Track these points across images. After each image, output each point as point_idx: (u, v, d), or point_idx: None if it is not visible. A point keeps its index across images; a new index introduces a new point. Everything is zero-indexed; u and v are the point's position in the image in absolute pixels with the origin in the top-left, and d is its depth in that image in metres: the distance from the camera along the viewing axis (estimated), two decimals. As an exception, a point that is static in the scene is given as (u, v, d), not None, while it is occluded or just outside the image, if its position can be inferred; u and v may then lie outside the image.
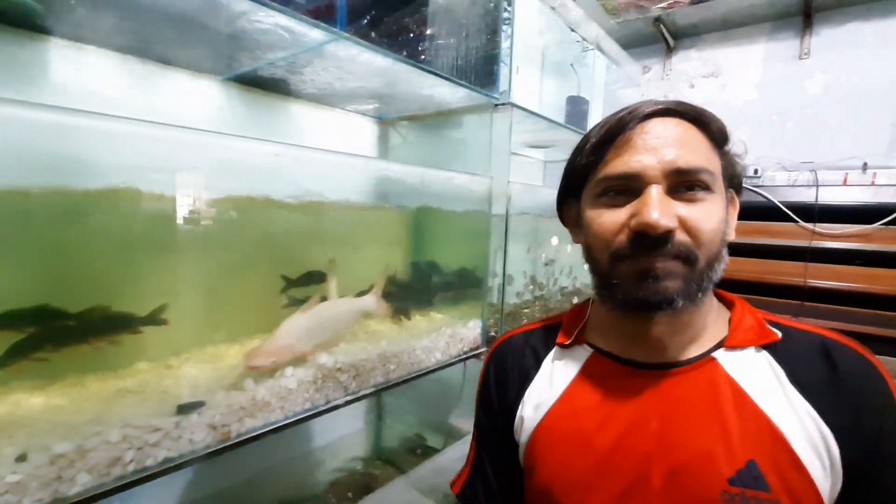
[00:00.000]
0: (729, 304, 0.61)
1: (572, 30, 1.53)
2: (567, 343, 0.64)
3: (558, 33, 1.54)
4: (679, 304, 0.51)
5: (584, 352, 0.63)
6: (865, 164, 1.73)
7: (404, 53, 0.97)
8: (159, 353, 0.80)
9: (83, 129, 0.61)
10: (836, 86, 1.84)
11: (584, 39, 1.55)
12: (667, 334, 0.55)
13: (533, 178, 2.23)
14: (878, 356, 0.54)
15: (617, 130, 0.54)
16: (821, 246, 1.67)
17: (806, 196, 1.73)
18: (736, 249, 1.81)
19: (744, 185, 1.82)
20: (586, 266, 0.61)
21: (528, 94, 1.42)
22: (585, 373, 0.61)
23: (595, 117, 1.71)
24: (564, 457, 0.57)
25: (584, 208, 0.59)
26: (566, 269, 1.68)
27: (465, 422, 1.34)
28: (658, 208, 0.49)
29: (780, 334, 0.55)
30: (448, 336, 1.13)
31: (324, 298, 0.93)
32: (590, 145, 0.56)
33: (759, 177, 1.87)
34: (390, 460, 1.48)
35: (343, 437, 1.46)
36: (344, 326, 0.95)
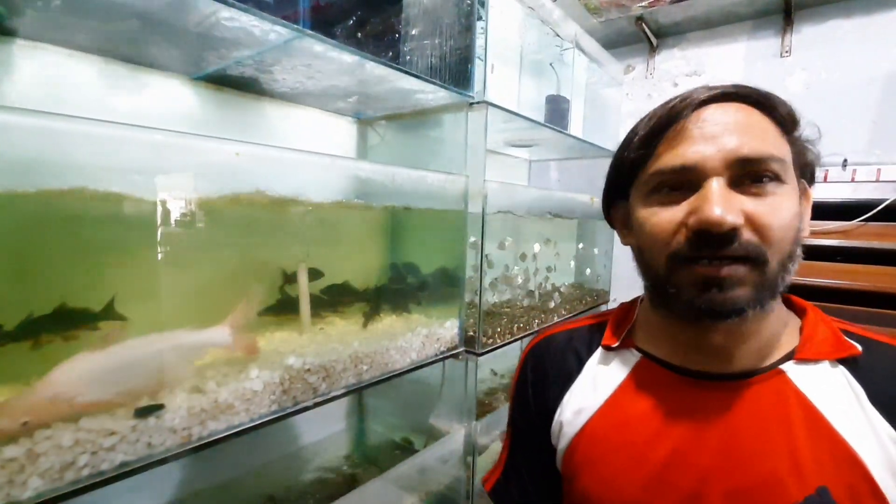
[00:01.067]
0: (800, 312, 0.56)
1: (552, 29, 1.53)
2: (614, 346, 0.60)
3: (537, 32, 1.54)
4: (750, 315, 0.46)
5: (633, 356, 0.58)
6: (845, 160, 1.74)
7: (389, 55, 0.96)
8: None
9: (33, 128, 0.60)
10: (817, 83, 1.85)
11: (561, 40, 1.55)
12: (730, 343, 0.50)
13: (518, 177, 2.22)
14: None
15: (669, 120, 0.49)
16: (801, 243, 1.68)
17: (787, 193, 1.74)
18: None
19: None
20: (634, 268, 0.56)
21: (507, 93, 1.41)
22: (634, 379, 0.56)
23: (576, 116, 1.71)
24: (612, 469, 0.53)
25: (634, 207, 0.54)
26: (542, 268, 1.68)
27: (444, 422, 1.34)
28: (721, 203, 0.44)
29: (860, 348, 0.49)
30: (424, 336, 1.12)
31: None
32: (638, 138, 0.52)
33: (741, 174, 1.88)
34: (371, 460, 1.47)
35: (324, 439, 1.45)
36: (175, 366, 0.73)
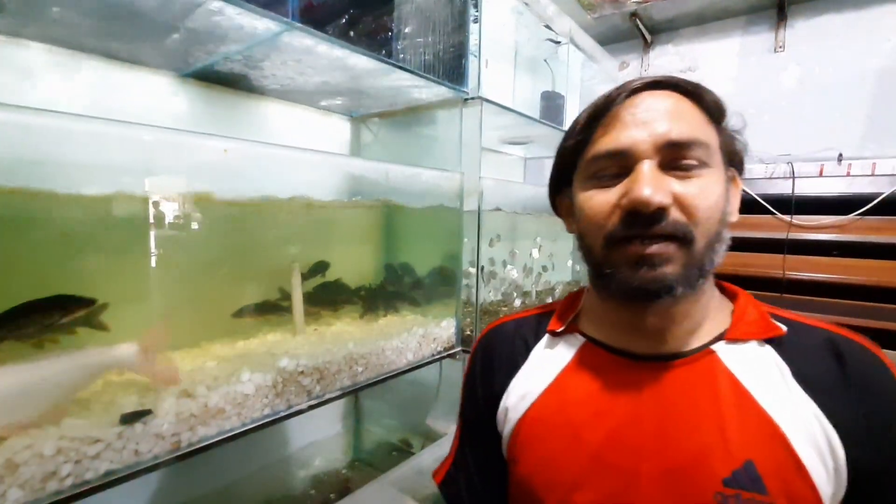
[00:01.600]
0: (732, 296, 0.58)
1: (546, 26, 1.52)
2: (559, 331, 0.61)
3: (531, 29, 1.52)
4: (679, 292, 0.48)
5: (577, 341, 0.60)
6: (840, 155, 1.74)
7: (382, 53, 0.95)
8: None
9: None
10: (811, 78, 1.85)
11: (555, 35, 1.54)
12: (664, 325, 0.52)
13: (514, 175, 2.21)
14: (840, 326, 0.52)
15: (605, 107, 0.51)
16: (798, 238, 1.67)
17: (783, 188, 1.73)
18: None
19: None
20: (578, 256, 0.58)
21: (502, 90, 1.40)
22: (577, 363, 0.58)
23: (571, 112, 1.70)
24: (551, 450, 0.54)
25: (575, 193, 0.56)
26: (538, 266, 1.66)
27: (441, 423, 1.32)
28: (650, 184, 0.46)
29: (785, 328, 0.52)
30: (420, 336, 1.10)
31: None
32: (578, 126, 0.54)
33: (737, 170, 1.88)
34: (369, 462, 1.45)
35: (320, 442, 1.43)
36: (67, 391, 0.62)
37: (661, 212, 0.46)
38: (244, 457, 1.22)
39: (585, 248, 0.55)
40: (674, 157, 0.48)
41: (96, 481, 0.60)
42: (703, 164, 0.49)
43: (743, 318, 0.54)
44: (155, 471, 0.65)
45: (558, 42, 1.55)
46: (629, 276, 0.49)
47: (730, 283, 0.60)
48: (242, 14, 0.72)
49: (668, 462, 0.48)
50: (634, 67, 2.18)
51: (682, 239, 0.47)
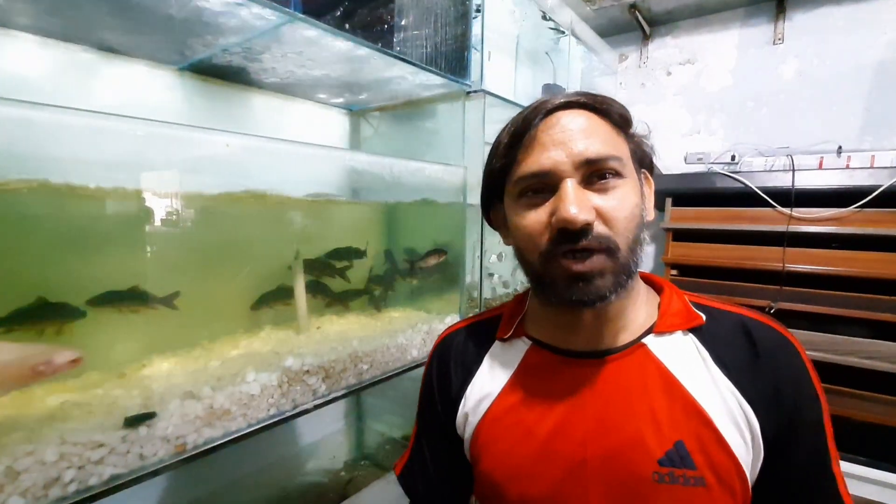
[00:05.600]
0: (658, 289, 0.63)
1: (547, 17, 1.50)
2: (506, 337, 0.65)
3: (532, 20, 1.50)
4: (611, 299, 0.53)
5: (524, 344, 0.64)
6: (840, 147, 1.74)
7: (379, 45, 0.92)
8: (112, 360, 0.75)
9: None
10: (810, 70, 1.85)
11: (558, 26, 1.52)
12: (599, 324, 0.57)
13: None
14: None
15: (523, 129, 0.55)
16: (798, 230, 1.68)
17: (782, 181, 1.73)
18: (714, 236, 1.81)
19: (722, 171, 1.82)
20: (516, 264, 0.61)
21: (503, 82, 1.38)
22: (525, 365, 0.62)
23: (572, 106, 1.68)
24: (508, 447, 0.58)
25: (507, 210, 0.60)
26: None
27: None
28: (575, 202, 0.50)
29: (704, 317, 0.57)
30: (424, 333, 1.09)
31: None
32: (501, 147, 0.58)
33: (737, 163, 1.87)
34: (372, 460, 1.45)
35: (323, 439, 1.42)
36: None
37: (586, 227, 0.50)
38: (247, 456, 1.20)
39: (524, 261, 0.59)
40: (591, 172, 0.52)
41: (100, 486, 0.58)
42: (618, 176, 0.53)
43: (668, 311, 0.59)
44: (159, 475, 0.64)
45: (562, 32, 1.53)
46: (566, 291, 0.53)
47: (716, 276, 0.65)
48: (243, 4, 0.70)
49: (609, 448, 0.53)
50: (633, 60, 2.16)
51: (608, 250, 0.51)
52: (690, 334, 0.57)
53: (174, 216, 0.71)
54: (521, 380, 0.61)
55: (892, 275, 1.51)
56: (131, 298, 0.73)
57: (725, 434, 0.50)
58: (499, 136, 0.60)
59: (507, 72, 1.48)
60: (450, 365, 0.68)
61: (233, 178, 0.75)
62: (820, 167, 1.71)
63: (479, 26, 1.15)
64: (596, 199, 0.52)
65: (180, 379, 0.73)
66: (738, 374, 0.53)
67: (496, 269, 1.43)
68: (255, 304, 0.92)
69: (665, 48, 2.11)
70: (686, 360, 0.55)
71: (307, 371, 0.82)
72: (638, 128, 0.59)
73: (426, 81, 1.11)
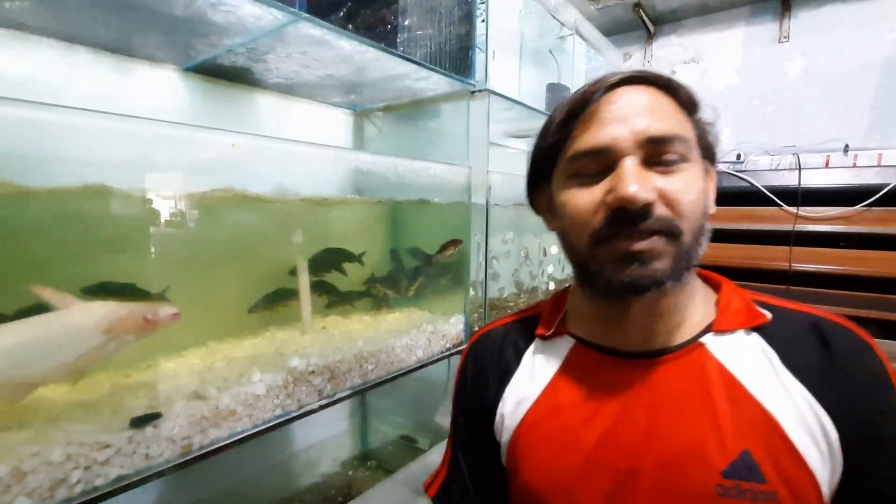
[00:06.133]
0: (716, 286, 0.58)
1: (552, 16, 1.50)
2: (547, 335, 0.60)
3: (537, 19, 1.50)
4: (668, 286, 0.48)
5: (566, 343, 0.59)
6: (847, 146, 1.73)
7: (383, 45, 0.92)
8: (118, 361, 0.75)
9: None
10: (816, 68, 1.84)
11: (561, 25, 1.52)
12: (651, 320, 0.52)
13: (516, 169, 2.19)
14: (824, 309, 0.52)
15: (582, 104, 0.51)
16: (804, 229, 1.67)
17: (789, 180, 1.72)
18: (720, 235, 1.80)
19: (728, 171, 1.81)
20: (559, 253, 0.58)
21: (507, 82, 1.38)
22: (568, 366, 0.57)
23: (576, 105, 1.68)
24: (549, 455, 0.54)
25: (556, 191, 0.55)
26: (548, 260, 1.65)
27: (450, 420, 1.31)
28: (635, 181, 0.46)
29: (769, 315, 0.52)
30: (429, 333, 1.09)
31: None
32: (555, 123, 0.53)
33: (742, 162, 1.86)
34: (377, 461, 1.44)
35: (328, 440, 1.41)
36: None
37: (647, 208, 0.46)
38: (251, 456, 1.20)
39: (569, 247, 0.55)
40: (655, 152, 0.48)
41: (107, 487, 0.58)
42: (683, 159, 0.49)
43: (728, 308, 0.54)
44: (166, 475, 0.63)
45: (567, 31, 1.53)
46: (617, 273, 0.48)
47: (714, 273, 0.60)
48: (248, 4, 0.70)
49: (665, 458, 0.48)
50: (637, 59, 2.16)
51: (670, 233, 0.47)
52: (755, 333, 0.51)
53: (181, 216, 0.71)
54: (564, 382, 0.56)
55: (901, 274, 1.49)
56: (124, 292, 0.71)
57: (799, 444, 0.45)
58: (552, 114, 0.55)
59: (512, 71, 1.47)
60: (485, 366, 0.64)
61: (240, 178, 0.75)
62: (826, 166, 1.70)
63: (484, 26, 1.14)
64: (658, 180, 0.47)
65: (186, 379, 0.73)
66: (810, 378, 0.47)
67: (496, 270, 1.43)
68: (253, 307, 0.92)
69: (669, 47, 2.10)
70: (751, 361, 0.50)
71: (312, 371, 0.82)
72: (704, 113, 0.54)
73: (430, 81, 1.11)
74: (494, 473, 0.61)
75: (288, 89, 1.17)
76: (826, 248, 1.64)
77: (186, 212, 0.71)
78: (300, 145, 0.88)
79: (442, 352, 1.12)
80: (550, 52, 1.55)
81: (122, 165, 0.66)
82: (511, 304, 1.46)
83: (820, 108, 1.82)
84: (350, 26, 0.88)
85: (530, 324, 0.64)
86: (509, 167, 2.09)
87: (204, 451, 0.67)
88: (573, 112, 0.51)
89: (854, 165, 1.66)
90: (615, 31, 2.14)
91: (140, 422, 0.62)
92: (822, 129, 1.80)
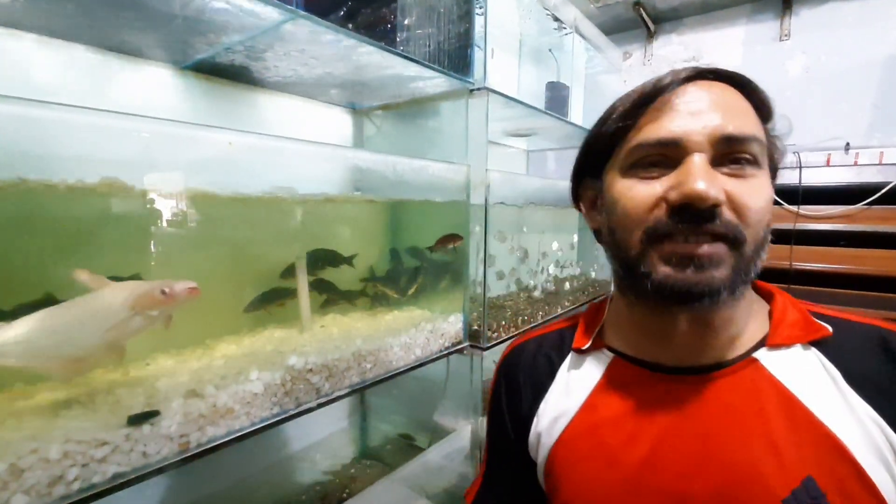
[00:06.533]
0: (768, 296, 0.55)
1: (551, 14, 1.49)
2: (584, 348, 0.58)
3: (536, 18, 1.50)
4: (723, 297, 0.44)
5: (605, 357, 0.56)
6: (847, 144, 1.72)
7: (382, 44, 0.92)
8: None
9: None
10: (817, 67, 1.83)
11: (561, 24, 1.51)
12: (700, 334, 0.49)
13: (517, 168, 2.19)
14: (890, 322, 0.49)
15: (653, 93, 0.47)
16: (805, 228, 1.66)
17: (790, 178, 1.72)
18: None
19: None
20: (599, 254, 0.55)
21: (507, 80, 1.38)
22: (607, 381, 0.54)
23: (575, 104, 1.67)
24: (589, 475, 0.51)
25: (608, 184, 0.51)
26: (549, 259, 1.65)
27: (449, 419, 1.31)
28: (705, 178, 0.42)
29: (830, 328, 0.48)
30: (428, 332, 1.09)
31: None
32: (618, 112, 0.50)
33: (743, 160, 1.86)
34: (376, 459, 1.44)
35: (327, 438, 1.42)
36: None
37: (715, 209, 0.43)
38: (251, 455, 1.20)
39: (617, 244, 0.51)
40: (727, 152, 0.45)
41: (104, 485, 0.58)
42: (754, 163, 0.45)
43: (783, 321, 0.50)
44: (164, 472, 0.63)
45: (566, 30, 1.52)
46: (671, 276, 0.44)
47: (765, 282, 0.56)
48: (245, 1, 0.70)
49: (718, 482, 0.44)
50: (637, 58, 2.15)
51: (734, 240, 0.44)
52: (813, 348, 0.48)
53: (183, 215, 0.71)
54: (603, 397, 0.53)
55: (903, 273, 1.49)
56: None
57: (868, 469, 0.41)
58: (613, 104, 0.51)
59: (511, 70, 1.47)
60: (519, 381, 0.62)
61: (242, 178, 0.75)
62: (828, 164, 1.70)
63: (483, 24, 1.14)
64: (727, 183, 0.44)
65: (184, 377, 0.73)
66: (879, 398, 0.43)
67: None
68: (248, 306, 0.92)
69: (670, 45, 2.09)
70: (810, 378, 0.46)
71: (310, 370, 0.82)
72: (778, 124, 0.50)
73: (429, 79, 1.11)
74: (529, 488, 0.59)
75: (287, 87, 1.17)
76: (827, 247, 1.63)
77: (190, 210, 0.71)
78: (298, 143, 0.88)
79: (441, 351, 1.12)
80: (550, 50, 1.54)
81: (123, 163, 0.66)
82: (510, 302, 1.46)
83: (821, 106, 1.81)
84: (350, 25, 0.88)
85: (565, 335, 0.62)
86: (509, 166, 2.09)
87: (202, 448, 0.67)
88: (642, 101, 0.48)
89: (855, 164, 1.65)
90: (615, 29, 2.13)
91: (138, 419, 0.62)
92: (823, 127, 1.79)
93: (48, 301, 0.63)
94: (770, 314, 0.52)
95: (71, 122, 0.58)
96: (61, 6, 0.73)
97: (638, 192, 0.47)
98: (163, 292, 0.61)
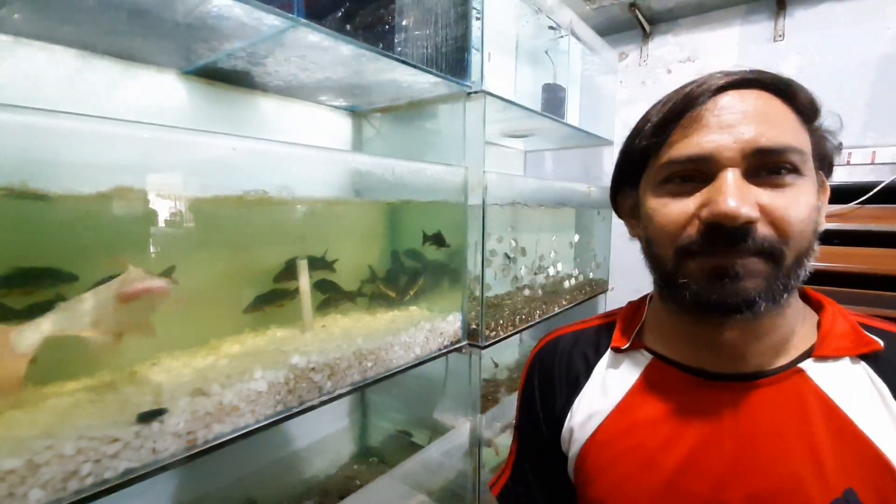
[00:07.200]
0: (817, 306, 0.54)
1: (546, 17, 1.51)
2: (624, 347, 0.58)
3: (532, 20, 1.52)
4: (761, 308, 0.44)
5: (643, 358, 0.56)
6: (840, 144, 1.73)
7: (380, 46, 0.94)
8: (123, 358, 0.77)
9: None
10: (811, 67, 1.85)
11: (557, 26, 1.53)
12: (744, 341, 0.48)
13: (514, 169, 2.21)
14: None
15: (684, 106, 0.47)
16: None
17: (783, 178, 1.74)
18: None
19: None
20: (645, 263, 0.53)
21: (503, 82, 1.40)
22: (645, 382, 0.55)
23: (572, 105, 1.69)
24: (624, 475, 0.51)
25: (643, 198, 0.52)
26: (547, 258, 1.67)
27: (448, 416, 1.33)
28: (736, 195, 0.42)
29: (882, 343, 0.47)
30: (427, 331, 1.11)
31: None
32: (650, 125, 0.50)
33: (738, 160, 1.88)
34: (377, 457, 1.47)
35: (328, 436, 1.44)
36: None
37: (747, 226, 0.42)
38: (253, 453, 1.22)
39: (653, 257, 0.52)
40: (762, 164, 0.44)
41: (116, 480, 0.60)
42: (795, 172, 0.44)
43: (832, 332, 0.49)
44: (173, 469, 0.66)
45: (562, 32, 1.54)
46: (706, 289, 0.45)
47: (817, 291, 0.56)
48: (248, 11, 0.72)
49: (756, 492, 0.44)
50: (633, 58, 2.17)
51: (770, 255, 0.43)
52: (862, 362, 0.47)
53: (185, 217, 0.73)
54: (640, 399, 0.53)
55: (894, 271, 1.51)
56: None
57: None
58: (647, 113, 0.51)
59: (508, 71, 1.49)
60: (553, 375, 0.62)
61: (243, 181, 0.77)
62: (821, 163, 1.72)
63: (479, 27, 1.16)
64: (764, 196, 0.43)
65: (190, 377, 0.75)
66: None
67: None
68: (248, 307, 0.94)
69: (665, 46, 2.11)
70: (858, 392, 0.45)
71: (313, 368, 0.84)
72: (826, 120, 0.50)
73: (427, 83, 1.13)
74: (559, 483, 0.61)
75: (287, 91, 1.19)
76: (820, 246, 1.66)
77: (193, 212, 0.73)
78: (301, 148, 0.90)
79: (440, 349, 1.14)
80: (546, 52, 1.56)
81: (128, 168, 0.68)
82: (508, 301, 1.48)
83: (815, 106, 1.83)
84: (348, 26, 0.89)
85: (603, 333, 0.62)
86: (507, 167, 2.11)
87: (208, 445, 0.69)
88: (672, 115, 0.47)
89: (848, 163, 1.67)
90: (611, 30, 2.15)
91: (147, 417, 0.64)
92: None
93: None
94: (819, 324, 0.52)
95: (110, 133, 0.61)
96: (70, 15, 0.75)
97: (671, 210, 0.47)
98: (139, 286, 0.64)
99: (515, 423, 0.68)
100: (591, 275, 2.01)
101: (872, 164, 1.64)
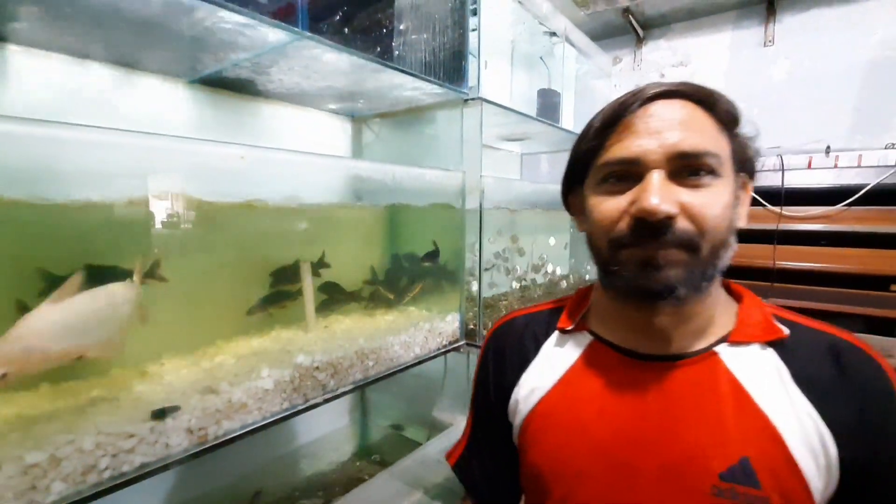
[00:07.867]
0: (738, 297, 0.60)
1: (541, 23, 1.55)
2: (568, 329, 0.64)
3: (527, 26, 1.55)
4: (682, 294, 0.50)
5: (585, 339, 0.62)
6: (828, 147, 1.78)
7: (377, 51, 0.96)
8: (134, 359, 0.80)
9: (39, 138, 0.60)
10: (800, 71, 1.89)
11: (552, 33, 1.57)
12: (670, 326, 0.54)
13: (510, 171, 2.24)
14: (843, 330, 0.54)
15: (619, 114, 0.52)
16: (788, 228, 1.73)
17: (773, 180, 1.78)
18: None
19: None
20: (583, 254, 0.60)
21: (499, 87, 1.43)
22: (585, 361, 0.60)
23: (567, 109, 1.73)
24: (558, 443, 0.57)
25: (587, 195, 0.58)
26: (539, 260, 1.71)
27: (447, 414, 1.36)
28: (658, 193, 0.48)
29: (787, 331, 0.53)
30: (426, 331, 1.14)
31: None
32: (593, 130, 0.55)
33: (729, 163, 1.92)
34: (376, 455, 1.50)
35: (328, 435, 1.47)
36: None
37: (667, 221, 0.48)
38: (256, 450, 1.25)
39: (594, 248, 0.58)
40: (683, 166, 0.49)
41: (132, 473, 0.64)
42: (712, 174, 0.50)
43: (747, 321, 0.55)
44: (184, 463, 0.69)
45: (556, 38, 1.58)
46: (634, 276, 0.51)
47: (738, 284, 0.61)
48: (255, 25, 0.75)
49: (667, 457, 0.51)
50: (627, 63, 2.21)
51: (688, 245, 0.49)
52: (770, 348, 0.53)
53: (193, 222, 0.76)
54: (579, 375, 0.59)
55: (880, 270, 1.56)
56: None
57: (797, 456, 0.47)
58: (591, 120, 0.57)
59: (504, 76, 1.52)
60: (506, 351, 0.68)
61: (250, 188, 0.80)
62: (809, 167, 1.76)
63: (476, 34, 1.19)
64: (684, 195, 0.49)
65: (199, 375, 0.78)
66: (819, 397, 0.49)
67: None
68: (251, 309, 0.97)
69: (658, 51, 2.15)
70: (761, 374, 0.51)
71: (317, 367, 0.88)
72: (745, 128, 0.55)
73: (425, 90, 1.16)
74: (508, 449, 0.66)
75: (290, 98, 1.22)
76: (809, 247, 1.70)
77: (200, 218, 0.77)
78: (304, 155, 0.93)
79: (438, 349, 1.18)
80: (541, 58, 1.60)
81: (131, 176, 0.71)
82: (504, 302, 1.52)
83: (803, 110, 1.87)
84: (346, 30, 0.91)
85: (552, 316, 0.67)
86: (503, 169, 2.14)
87: (219, 441, 0.72)
88: (609, 120, 0.53)
89: (835, 166, 1.72)
90: (605, 35, 2.19)
91: (160, 414, 0.67)
92: (805, 130, 1.85)
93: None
94: (737, 314, 0.57)
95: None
96: (80, 26, 0.78)
97: (606, 207, 0.53)
98: None
99: (472, 397, 0.73)
100: (586, 276, 2.05)
101: (859, 166, 1.68)
